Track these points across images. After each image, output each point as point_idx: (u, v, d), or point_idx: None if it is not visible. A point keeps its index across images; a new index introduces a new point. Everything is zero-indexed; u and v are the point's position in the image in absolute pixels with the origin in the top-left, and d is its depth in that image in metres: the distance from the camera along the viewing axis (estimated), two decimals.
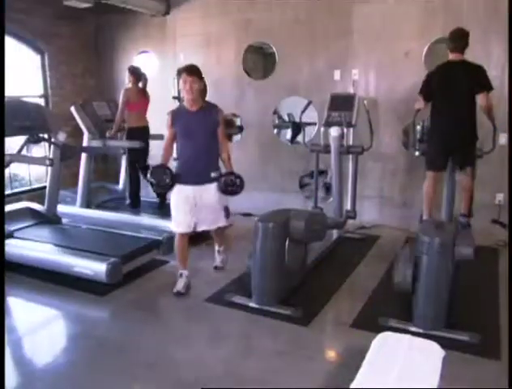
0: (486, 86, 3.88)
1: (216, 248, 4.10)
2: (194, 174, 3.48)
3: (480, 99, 3.91)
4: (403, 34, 4.88)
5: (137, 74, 5.30)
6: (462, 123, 3.96)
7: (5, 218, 4.08)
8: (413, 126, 4.33)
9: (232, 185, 3.51)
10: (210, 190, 3.52)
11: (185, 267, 3.68)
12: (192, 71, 3.36)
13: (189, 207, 3.51)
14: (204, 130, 3.46)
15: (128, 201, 5.55)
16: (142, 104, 5.33)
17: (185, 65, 3.47)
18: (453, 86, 3.94)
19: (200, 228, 3.63)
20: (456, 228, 3.20)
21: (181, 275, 3.65)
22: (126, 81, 5.42)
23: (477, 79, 3.89)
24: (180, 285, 3.58)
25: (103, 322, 3.40)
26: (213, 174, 3.52)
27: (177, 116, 3.49)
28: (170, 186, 3.49)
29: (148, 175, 3.46)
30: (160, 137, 5.99)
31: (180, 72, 3.43)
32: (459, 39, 3.95)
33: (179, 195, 3.53)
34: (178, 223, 3.58)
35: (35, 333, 3.17)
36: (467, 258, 2.86)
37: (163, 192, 5.18)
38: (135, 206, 5.48)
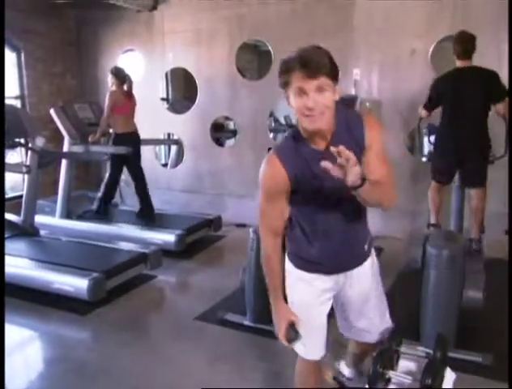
0: (503, 93, 3.81)
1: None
2: (341, 256, 1.95)
3: (501, 108, 3.84)
4: (408, 31, 4.91)
5: (121, 76, 5.23)
6: (473, 137, 3.92)
7: None
8: (418, 130, 4.35)
9: None
10: (363, 275, 2.02)
11: None
12: (317, 66, 1.62)
13: (327, 310, 2.04)
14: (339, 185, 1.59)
15: (95, 206, 5.43)
16: (128, 107, 5.28)
17: (299, 50, 1.72)
18: (464, 96, 3.86)
19: (359, 340, 2.16)
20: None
21: None
22: (109, 84, 5.33)
23: (492, 87, 3.83)
24: None
25: (84, 343, 3.37)
26: (366, 247, 2.02)
27: (290, 161, 1.75)
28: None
29: None
30: (148, 142, 6.03)
31: (286, 68, 1.67)
32: (466, 43, 3.88)
33: (306, 291, 1.97)
34: (307, 344, 1.98)
35: (9, 356, 3.11)
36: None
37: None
38: (104, 213, 5.41)
